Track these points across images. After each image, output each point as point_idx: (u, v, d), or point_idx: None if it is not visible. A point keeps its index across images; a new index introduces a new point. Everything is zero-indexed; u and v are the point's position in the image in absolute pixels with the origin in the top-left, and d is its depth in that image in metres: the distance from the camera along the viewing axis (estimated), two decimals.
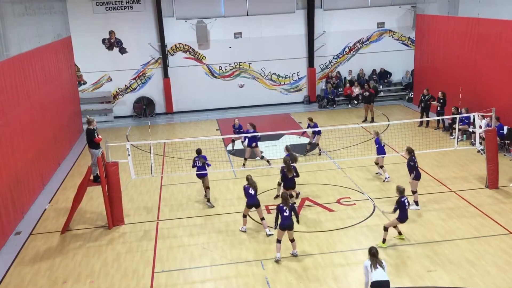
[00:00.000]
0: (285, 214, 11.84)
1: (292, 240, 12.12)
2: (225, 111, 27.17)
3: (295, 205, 12.62)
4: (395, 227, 12.64)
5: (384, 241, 12.41)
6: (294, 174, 14.38)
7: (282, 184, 14.72)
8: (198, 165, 15.32)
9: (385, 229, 12.42)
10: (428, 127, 22.33)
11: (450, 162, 18.01)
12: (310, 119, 19.53)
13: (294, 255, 12.18)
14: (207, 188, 15.57)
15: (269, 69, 28.05)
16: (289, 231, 11.96)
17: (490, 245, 12.27)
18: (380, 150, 16.53)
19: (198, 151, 15.54)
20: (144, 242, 13.47)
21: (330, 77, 28.22)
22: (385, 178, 16.64)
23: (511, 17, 18.51)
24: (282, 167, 14.46)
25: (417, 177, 14.37)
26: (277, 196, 15.45)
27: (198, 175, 15.46)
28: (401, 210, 12.19)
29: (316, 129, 19.26)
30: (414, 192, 14.44)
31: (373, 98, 24.06)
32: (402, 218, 12.26)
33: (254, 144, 18.22)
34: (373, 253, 9.48)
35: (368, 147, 20.06)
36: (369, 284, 9.32)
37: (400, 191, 12.26)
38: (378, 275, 9.24)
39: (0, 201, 13.69)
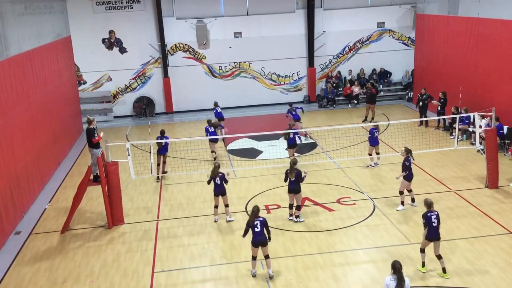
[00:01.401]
0: (256, 229, 11.13)
1: (267, 257, 11.32)
2: (225, 111, 27.11)
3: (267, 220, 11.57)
4: (422, 251, 11.31)
5: (423, 264, 11.32)
6: (295, 178, 13.65)
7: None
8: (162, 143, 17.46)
9: (422, 250, 11.26)
10: (428, 126, 22.32)
11: (450, 162, 18.01)
12: (290, 104, 21.22)
13: (270, 277, 11.31)
14: (164, 163, 17.65)
15: (269, 68, 28.05)
16: (262, 247, 11.21)
17: (490, 245, 12.27)
18: (373, 141, 17.55)
19: (162, 132, 17.89)
20: (144, 242, 13.47)
21: (330, 77, 28.22)
22: (372, 164, 17.82)
23: (511, 17, 18.50)
24: (287, 169, 13.85)
25: (409, 178, 14.32)
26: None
27: (158, 152, 17.54)
28: (428, 226, 11.00)
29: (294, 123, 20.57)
30: (401, 193, 14.45)
31: (374, 98, 24.05)
32: (429, 235, 11.02)
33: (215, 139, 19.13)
34: (398, 269, 8.71)
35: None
36: None
37: (428, 204, 11.10)
38: None
39: (0, 201, 13.68)
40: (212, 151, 19.06)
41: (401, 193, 14.44)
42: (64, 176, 18.82)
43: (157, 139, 17.89)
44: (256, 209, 11.41)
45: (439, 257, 11.09)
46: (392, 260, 9.03)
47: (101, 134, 14.68)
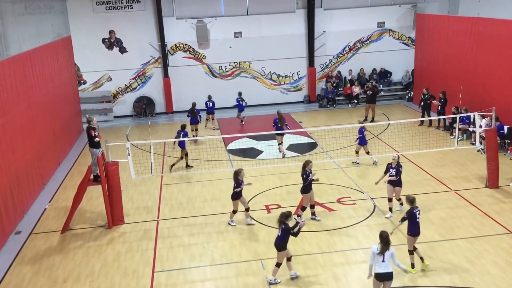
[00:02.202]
0: (278, 233, 11.05)
1: (288, 259, 11.18)
2: (225, 111, 27.18)
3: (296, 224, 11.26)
4: (414, 251, 11.38)
5: (412, 266, 11.33)
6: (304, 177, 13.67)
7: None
8: (181, 137, 18.22)
9: (410, 252, 11.30)
10: (430, 126, 22.31)
11: (450, 162, 18.01)
12: (239, 94, 23.42)
13: (292, 277, 11.22)
14: (186, 155, 18.46)
15: (269, 68, 28.05)
16: (277, 251, 11.07)
17: (490, 245, 12.27)
18: (363, 140, 17.87)
19: (183, 126, 18.56)
20: (144, 241, 13.47)
21: (330, 77, 28.22)
22: (357, 161, 18.26)
23: (511, 16, 18.50)
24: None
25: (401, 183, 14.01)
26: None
27: (180, 145, 18.35)
28: (411, 221, 11.10)
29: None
30: (399, 199, 14.14)
31: (374, 98, 24.07)
32: (413, 231, 11.17)
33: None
34: (383, 239, 9.49)
35: (368, 147, 20.03)
36: (373, 269, 9.60)
37: (410, 200, 11.22)
38: (382, 268, 9.52)
39: (0, 201, 13.68)
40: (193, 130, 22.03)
41: (399, 199, 14.14)
42: (64, 176, 18.82)
43: (177, 132, 18.55)
44: (283, 215, 11.00)
45: (411, 252, 11.30)
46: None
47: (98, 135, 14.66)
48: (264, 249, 12.64)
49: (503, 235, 12.71)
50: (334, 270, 11.59)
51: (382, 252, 9.48)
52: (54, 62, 20.75)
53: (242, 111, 24.16)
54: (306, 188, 13.74)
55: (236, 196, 13.77)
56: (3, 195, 13.93)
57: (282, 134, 19.44)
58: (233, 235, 13.50)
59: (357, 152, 18.23)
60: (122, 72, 26.92)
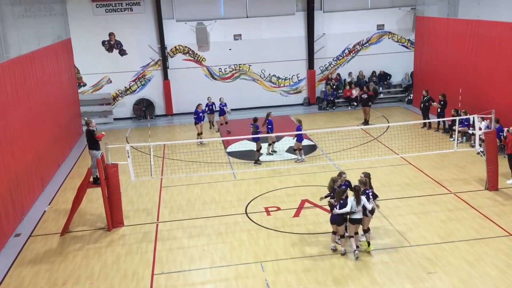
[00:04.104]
0: (336, 209, 11.97)
1: (342, 236, 12.22)
2: None
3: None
4: (366, 231, 12.28)
5: (368, 244, 12.26)
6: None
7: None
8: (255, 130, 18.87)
9: (365, 231, 12.26)
10: (430, 128, 22.33)
11: (450, 164, 18.01)
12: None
13: (343, 253, 12.09)
14: (260, 148, 19.10)
15: (269, 71, 28.08)
16: (337, 226, 12.14)
17: (490, 247, 12.26)
18: (300, 137, 18.69)
19: (255, 119, 19.21)
20: (143, 244, 13.46)
21: (330, 79, 28.25)
22: (301, 159, 18.93)
23: (510, 19, 18.54)
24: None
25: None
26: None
27: (253, 139, 19.11)
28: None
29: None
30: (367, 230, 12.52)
31: (372, 100, 24.07)
32: (365, 211, 12.04)
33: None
34: (356, 190, 11.73)
35: (368, 149, 20.07)
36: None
37: (363, 183, 12.18)
38: (356, 215, 11.76)
39: (0, 203, 13.68)
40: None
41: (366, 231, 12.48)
42: (64, 178, 18.82)
43: (255, 126, 19.02)
44: (340, 192, 12.01)
45: (366, 231, 12.27)
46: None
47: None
48: (264, 251, 12.64)
49: (503, 238, 12.71)
50: (334, 272, 11.58)
51: (357, 202, 11.62)
52: (54, 64, 20.76)
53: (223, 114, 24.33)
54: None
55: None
56: (3, 197, 13.92)
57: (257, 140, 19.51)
58: (232, 238, 13.49)
59: (298, 149, 18.98)
60: (122, 75, 26.94)
